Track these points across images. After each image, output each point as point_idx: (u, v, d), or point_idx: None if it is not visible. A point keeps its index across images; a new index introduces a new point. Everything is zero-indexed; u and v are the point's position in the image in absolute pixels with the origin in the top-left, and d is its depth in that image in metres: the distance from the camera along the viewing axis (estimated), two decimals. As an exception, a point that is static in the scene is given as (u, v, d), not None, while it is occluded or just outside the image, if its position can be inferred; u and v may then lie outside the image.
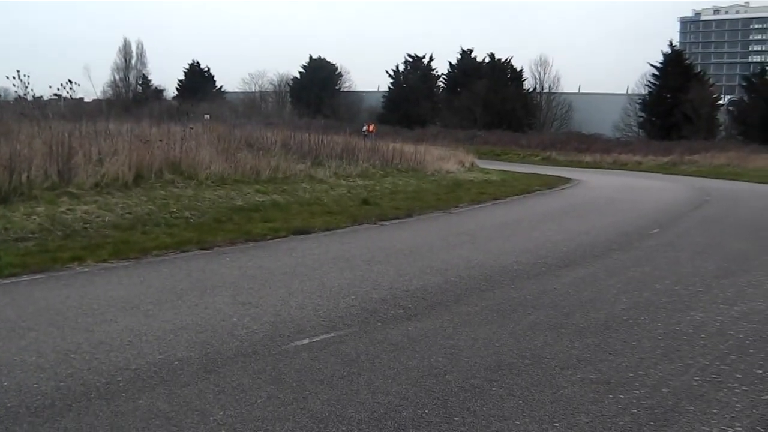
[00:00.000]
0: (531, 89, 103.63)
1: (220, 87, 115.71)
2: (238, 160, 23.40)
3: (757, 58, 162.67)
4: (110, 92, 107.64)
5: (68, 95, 23.46)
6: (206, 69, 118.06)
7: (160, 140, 22.07)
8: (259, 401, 6.49)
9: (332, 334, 8.53)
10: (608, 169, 61.97)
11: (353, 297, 10.33)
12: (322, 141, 30.26)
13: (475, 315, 9.61)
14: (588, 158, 69.80)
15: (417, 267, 12.73)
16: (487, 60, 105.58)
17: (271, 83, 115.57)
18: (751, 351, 8.45)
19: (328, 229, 17.16)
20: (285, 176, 24.15)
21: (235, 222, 17.07)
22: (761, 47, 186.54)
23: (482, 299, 10.49)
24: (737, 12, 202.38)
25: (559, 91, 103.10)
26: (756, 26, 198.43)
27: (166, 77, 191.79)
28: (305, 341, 8.22)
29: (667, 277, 12.66)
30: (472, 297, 10.63)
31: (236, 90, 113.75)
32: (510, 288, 11.29)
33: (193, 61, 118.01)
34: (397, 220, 19.63)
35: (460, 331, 8.80)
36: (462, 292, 10.95)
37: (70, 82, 22.60)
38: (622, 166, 64.87)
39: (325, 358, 7.67)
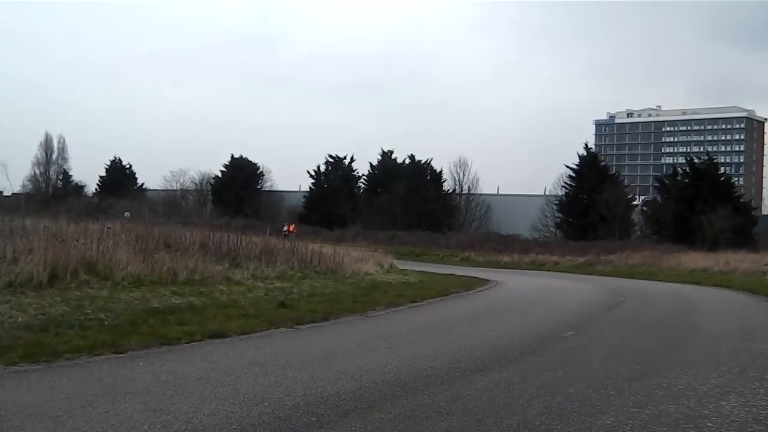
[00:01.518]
0: (450, 190, 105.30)
1: (142, 184, 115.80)
2: (155, 261, 23.20)
3: (669, 160, 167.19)
4: (30, 186, 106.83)
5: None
6: (128, 166, 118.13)
7: (77, 240, 21.86)
8: None
9: (244, 444, 8.43)
10: (526, 269, 62.62)
11: (266, 404, 10.24)
12: (240, 242, 30.19)
13: (388, 422, 9.58)
14: (506, 258, 70.57)
15: (331, 372, 12.67)
16: (408, 161, 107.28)
17: (192, 181, 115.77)
18: (660, 456, 8.57)
19: (244, 333, 16.97)
20: (202, 278, 23.96)
21: (150, 325, 16.77)
22: (673, 149, 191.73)
23: (396, 406, 10.46)
24: (649, 115, 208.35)
25: (478, 192, 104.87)
26: (668, 129, 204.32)
27: (88, 173, 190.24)
28: (216, 452, 8.12)
29: (580, 381, 12.78)
30: (385, 404, 10.59)
31: (158, 188, 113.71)
32: (424, 394, 11.28)
33: (115, 157, 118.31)
34: (314, 324, 19.50)
35: (372, 440, 8.78)
36: (376, 398, 10.91)
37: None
38: (540, 266, 65.64)
39: (236, 468, 7.60)
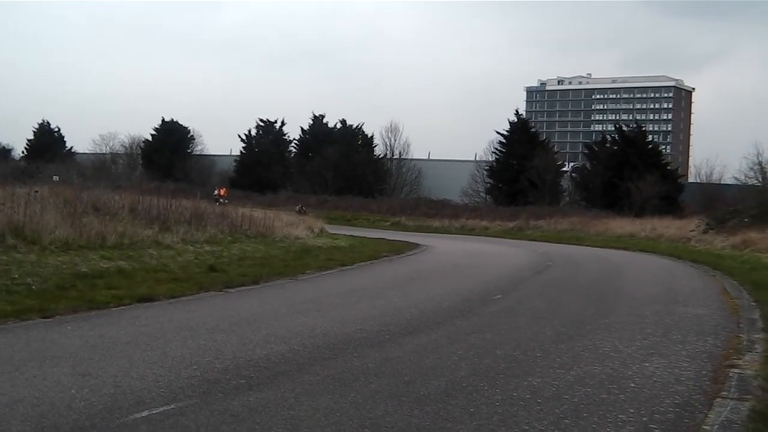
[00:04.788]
0: (381, 155, 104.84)
1: (71, 148, 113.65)
2: (84, 225, 22.97)
3: (598, 127, 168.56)
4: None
5: None
6: (56, 129, 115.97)
7: (3, 204, 21.55)
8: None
9: (172, 406, 8.43)
10: (456, 234, 62.88)
11: (195, 367, 10.25)
12: (170, 205, 29.95)
13: (317, 384, 9.65)
14: (437, 223, 70.79)
15: (261, 335, 12.72)
16: (339, 126, 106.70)
17: (122, 145, 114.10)
18: (584, 415, 8.74)
19: (173, 297, 16.94)
20: (132, 242, 23.77)
21: (78, 289, 16.63)
22: (602, 117, 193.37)
23: (325, 368, 10.53)
24: (580, 83, 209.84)
25: (410, 157, 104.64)
26: (597, 97, 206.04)
27: (15, 136, 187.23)
28: (144, 413, 8.11)
29: (507, 343, 12.98)
30: (314, 366, 10.66)
31: (87, 151, 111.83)
32: (353, 356, 11.37)
33: (43, 120, 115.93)
34: (244, 288, 19.51)
35: (302, 402, 8.82)
36: (305, 361, 10.98)
37: None
38: (470, 231, 65.96)
39: (165, 431, 7.60)
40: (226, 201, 54.09)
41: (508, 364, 11.31)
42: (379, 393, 9.35)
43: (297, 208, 64.20)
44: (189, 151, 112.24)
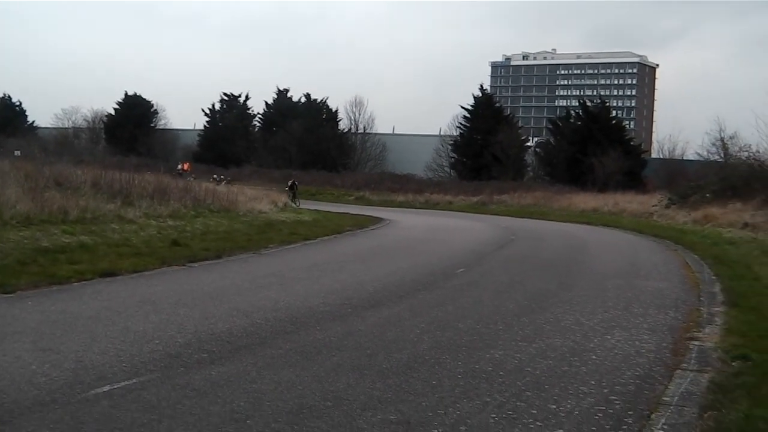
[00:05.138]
0: (346, 129, 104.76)
1: (33, 122, 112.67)
2: (45, 200, 22.80)
3: (562, 103, 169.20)
4: None
5: None
6: (18, 103, 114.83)
7: (-39, 178, 21.37)
8: (54, 452, 6.36)
9: (134, 381, 8.41)
10: (420, 208, 63.07)
11: (157, 341, 10.21)
12: (133, 180, 29.76)
13: (279, 358, 9.65)
14: (401, 198, 70.98)
15: (223, 309, 12.69)
16: (303, 100, 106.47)
17: (85, 119, 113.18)
18: (546, 387, 8.82)
19: (136, 271, 16.85)
20: (94, 216, 23.58)
21: (39, 264, 16.48)
22: (567, 92, 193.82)
23: (287, 342, 10.54)
24: (545, 59, 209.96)
25: (374, 131, 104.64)
26: (562, 72, 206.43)
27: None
28: (106, 388, 8.08)
29: (470, 317, 13.04)
30: (277, 339, 10.67)
31: (49, 126, 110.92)
32: (315, 330, 11.38)
33: (4, 94, 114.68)
34: (207, 262, 19.48)
35: (264, 375, 8.82)
36: (267, 334, 10.98)
37: None
38: (434, 206, 66.17)
39: (126, 405, 7.56)
40: (190, 175, 53.90)
41: (470, 337, 11.36)
42: (342, 366, 9.36)
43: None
44: (152, 125, 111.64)
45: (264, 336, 10.88)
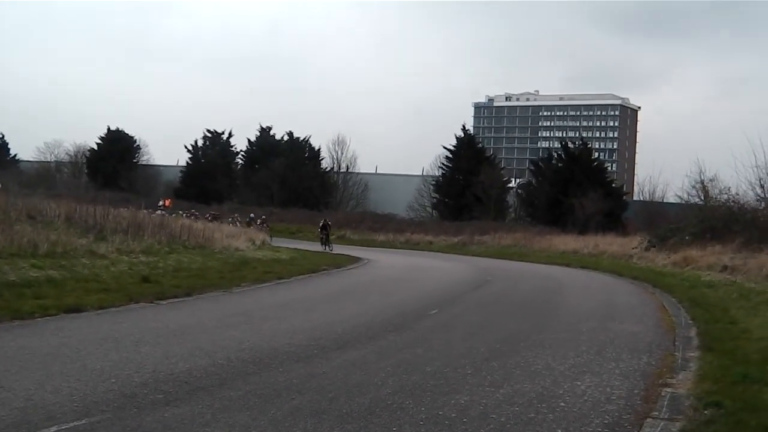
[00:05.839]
0: (328, 168, 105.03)
1: (15, 155, 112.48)
2: (15, 233, 22.50)
3: (544, 144, 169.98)
4: None
5: None
6: (0, 136, 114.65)
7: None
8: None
9: (83, 421, 8.13)
10: (401, 248, 63.05)
11: (113, 381, 9.93)
12: (107, 214, 29.49)
13: (237, 400, 9.38)
14: (381, 237, 70.95)
15: (186, 349, 12.42)
16: (286, 138, 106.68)
17: (67, 153, 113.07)
18: (510, 436, 8.54)
19: (102, 308, 16.59)
20: (65, 250, 23.31)
21: (5, 298, 16.19)
22: (549, 134, 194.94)
23: (247, 383, 10.27)
24: (527, 99, 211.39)
25: (356, 170, 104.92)
26: (544, 113, 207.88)
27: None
28: (53, 429, 7.81)
29: (438, 359, 12.77)
30: (237, 381, 10.39)
31: (32, 159, 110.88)
32: (278, 371, 11.11)
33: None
34: (176, 299, 19.23)
35: (219, 418, 8.55)
36: (228, 375, 10.70)
37: None
38: (414, 246, 66.12)
39: (72, 447, 7.31)
40: (171, 212, 53.62)
41: (436, 381, 11.09)
42: (300, 410, 9.09)
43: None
44: (135, 160, 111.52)
45: (224, 377, 10.59)
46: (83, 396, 9.13)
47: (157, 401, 9.14)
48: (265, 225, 57.71)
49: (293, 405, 9.29)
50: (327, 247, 52.86)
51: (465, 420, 9.07)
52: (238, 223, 57.41)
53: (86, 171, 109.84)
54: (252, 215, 64.27)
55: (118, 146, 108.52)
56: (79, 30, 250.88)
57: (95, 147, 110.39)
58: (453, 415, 9.28)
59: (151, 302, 18.27)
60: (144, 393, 9.45)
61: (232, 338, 13.80)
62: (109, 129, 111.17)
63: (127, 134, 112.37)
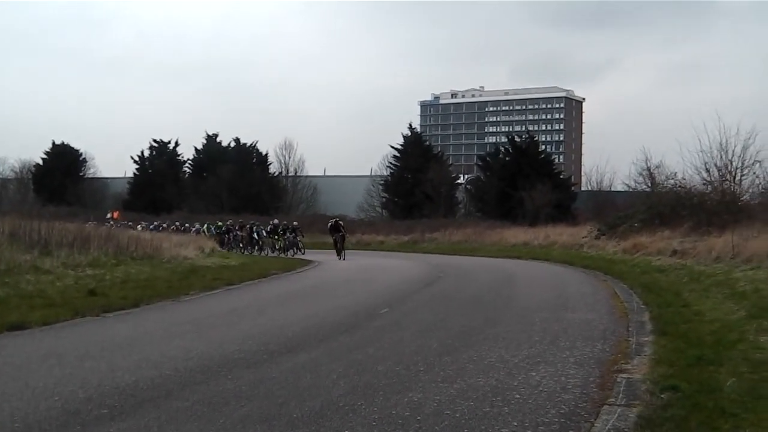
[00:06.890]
0: (277, 173, 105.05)
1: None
2: (-46, 251, 22.13)
3: (492, 139, 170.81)
4: None
5: None
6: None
7: None
8: None
9: (23, 442, 7.85)
10: (352, 249, 62.70)
11: (56, 398, 9.64)
12: (51, 229, 29.10)
13: (184, 411, 9.13)
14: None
15: (132, 361, 12.13)
16: (233, 144, 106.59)
17: (12, 170, 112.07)
18: (465, 431, 8.42)
19: (46, 323, 16.20)
20: (8, 267, 22.94)
21: (-56, 320, 15.86)
22: (495, 129, 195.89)
23: (195, 393, 10.02)
24: (473, 96, 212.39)
25: (305, 174, 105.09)
26: (491, 109, 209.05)
27: None
28: (-8, 451, 7.54)
29: (390, 358, 12.59)
30: (184, 391, 10.14)
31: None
32: (227, 379, 10.88)
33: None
34: (123, 311, 18.86)
35: (165, 430, 8.30)
36: (175, 385, 10.45)
37: None
38: (366, 246, 66.20)
39: (10, 469, 7.05)
40: (120, 224, 53.11)
41: (389, 380, 10.91)
42: (250, 417, 8.86)
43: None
44: (81, 174, 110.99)
45: (171, 387, 10.33)
46: (24, 415, 8.83)
47: (101, 416, 8.87)
48: (295, 235, 55.32)
49: (242, 412, 9.07)
50: (341, 256, 48.30)
51: (419, 418, 8.89)
52: (205, 233, 55.42)
53: (32, 187, 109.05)
54: (275, 221, 60.83)
55: (63, 160, 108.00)
56: (20, 43, 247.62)
57: (41, 162, 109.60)
58: (406, 413, 9.10)
59: (98, 315, 17.91)
60: (88, 409, 9.17)
61: (180, 348, 13.52)
62: (54, 143, 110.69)
63: (73, 148, 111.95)
